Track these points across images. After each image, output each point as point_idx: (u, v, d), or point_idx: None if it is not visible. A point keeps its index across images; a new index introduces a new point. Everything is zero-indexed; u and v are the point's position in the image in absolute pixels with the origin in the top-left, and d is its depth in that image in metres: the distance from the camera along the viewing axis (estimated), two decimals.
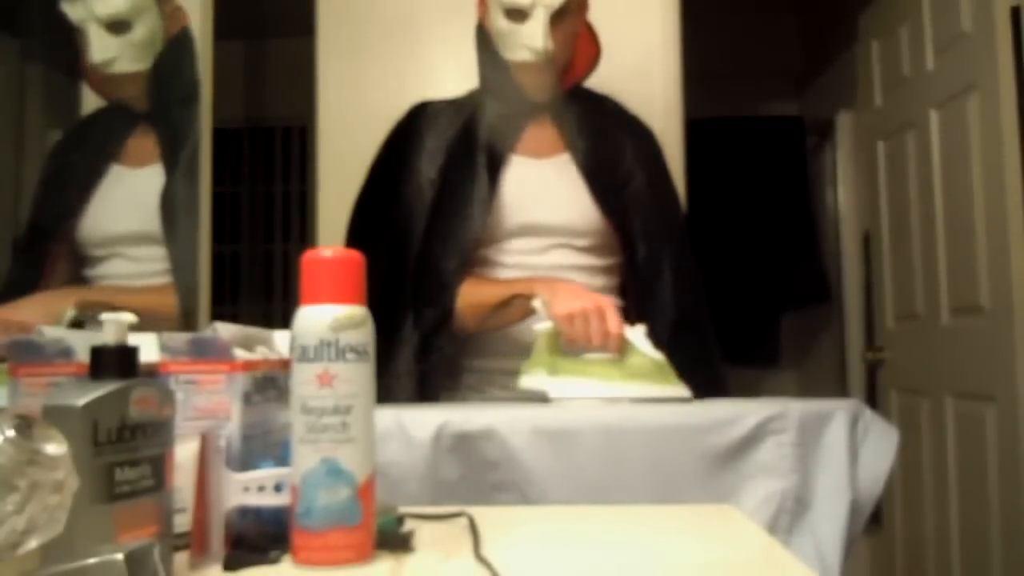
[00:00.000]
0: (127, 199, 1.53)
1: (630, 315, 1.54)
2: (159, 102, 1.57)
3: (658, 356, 1.28)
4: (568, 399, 1.24)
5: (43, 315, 1.41)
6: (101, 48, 1.46)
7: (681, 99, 1.96)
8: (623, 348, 1.29)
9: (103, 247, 1.51)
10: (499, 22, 1.47)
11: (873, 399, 2.75)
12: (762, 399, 1.23)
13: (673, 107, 1.93)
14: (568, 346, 1.32)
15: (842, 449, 1.03)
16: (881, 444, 1.07)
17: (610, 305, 1.31)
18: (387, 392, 1.32)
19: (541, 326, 1.32)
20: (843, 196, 3.23)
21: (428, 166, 1.54)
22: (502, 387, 1.47)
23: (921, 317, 2.42)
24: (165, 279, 1.56)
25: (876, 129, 2.71)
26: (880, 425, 1.08)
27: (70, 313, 1.44)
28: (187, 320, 1.57)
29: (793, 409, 1.04)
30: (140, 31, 1.49)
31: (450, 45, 2.00)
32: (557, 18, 1.45)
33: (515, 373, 1.47)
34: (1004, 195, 1.95)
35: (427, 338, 1.45)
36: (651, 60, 1.93)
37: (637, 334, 1.30)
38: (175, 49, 1.58)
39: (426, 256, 1.49)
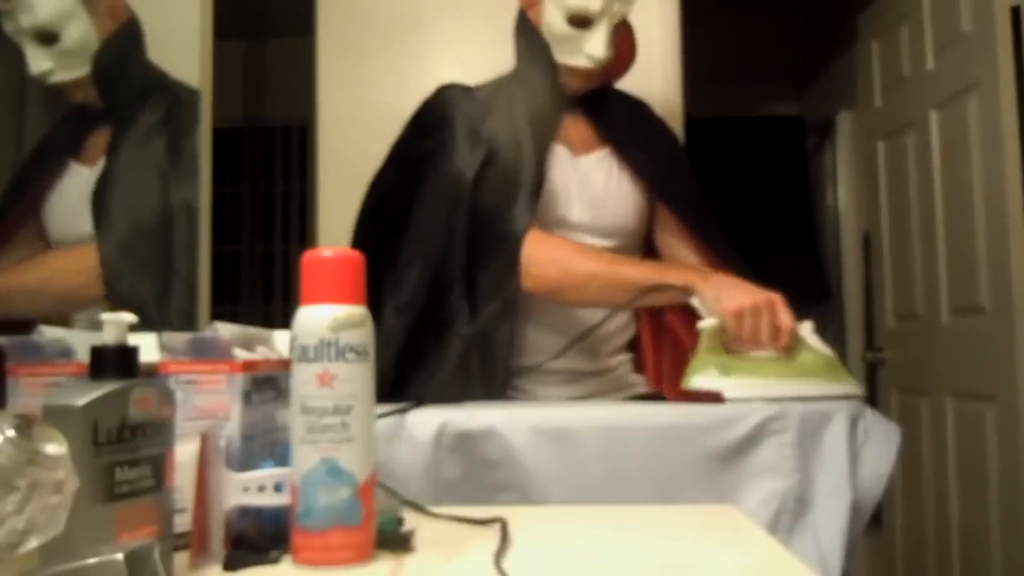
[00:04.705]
0: (81, 197, 1.50)
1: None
2: (111, 100, 1.52)
3: (828, 352, 1.21)
4: (743, 399, 1.14)
5: None
6: (34, 61, 1.42)
7: (681, 99, 1.96)
8: (794, 344, 1.21)
9: (64, 247, 1.48)
10: (558, 24, 1.40)
11: (873, 399, 2.75)
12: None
13: (673, 107, 1.93)
14: (733, 343, 1.23)
15: (843, 449, 1.03)
16: (882, 444, 1.06)
17: (780, 299, 1.23)
18: (439, 392, 1.26)
19: (706, 323, 1.23)
20: (843, 196, 3.23)
21: (468, 152, 1.44)
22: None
23: (921, 317, 2.42)
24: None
25: (876, 129, 2.71)
26: (881, 424, 1.08)
27: None
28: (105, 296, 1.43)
29: (793, 409, 1.04)
30: (69, 38, 1.43)
31: (450, 45, 2.01)
32: (617, 25, 1.41)
33: (577, 372, 1.44)
34: (1004, 195, 1.95)
35: (487, 333, 1.35)
36: (651, 60, 1.92)
37: (807, 329, 1.23)
38: (117, 44, 1.51)
39: (478, 246, 1.39)
